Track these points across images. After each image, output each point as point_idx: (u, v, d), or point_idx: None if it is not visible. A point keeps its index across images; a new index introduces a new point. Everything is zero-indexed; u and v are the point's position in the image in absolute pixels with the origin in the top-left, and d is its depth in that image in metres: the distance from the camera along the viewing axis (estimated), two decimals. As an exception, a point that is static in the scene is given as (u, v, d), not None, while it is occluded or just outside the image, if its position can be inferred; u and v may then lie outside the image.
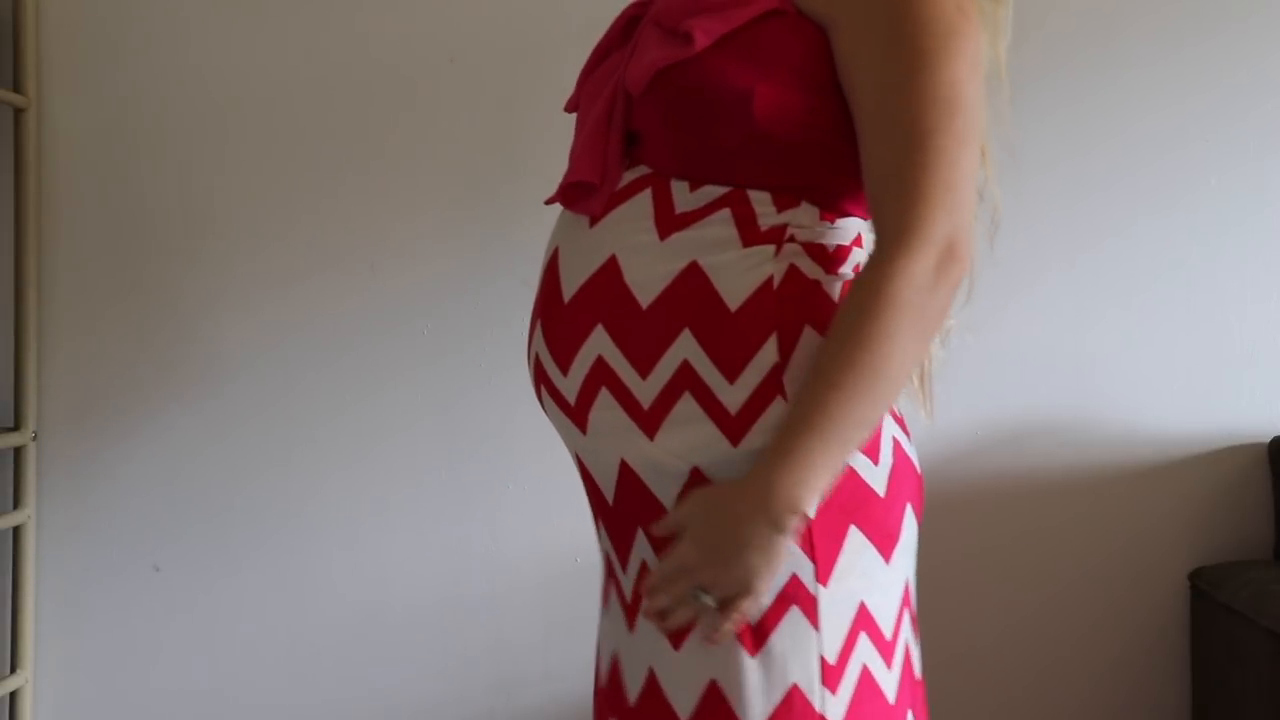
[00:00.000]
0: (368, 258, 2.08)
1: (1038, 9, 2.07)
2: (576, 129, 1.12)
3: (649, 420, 0.97)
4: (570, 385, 1.02)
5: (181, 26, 2.09)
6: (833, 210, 1.02)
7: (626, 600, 1.04)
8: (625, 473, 1.00)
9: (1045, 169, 2.08)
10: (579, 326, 1.00)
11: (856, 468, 0.98)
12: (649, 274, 0.97)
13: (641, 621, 1.02)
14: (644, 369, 0.97)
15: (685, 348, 0.96)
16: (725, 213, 0.98)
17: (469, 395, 2.09)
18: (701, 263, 0.97)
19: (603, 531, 1.08)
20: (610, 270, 0.99)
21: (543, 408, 1.10)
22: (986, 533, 2.05)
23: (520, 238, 2.05)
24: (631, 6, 1.11)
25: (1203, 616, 2.02)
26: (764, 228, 0.98)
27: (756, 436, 0.95)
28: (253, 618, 2.10)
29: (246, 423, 2.09)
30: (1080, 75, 2.08)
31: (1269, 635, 1.77)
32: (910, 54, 0.93)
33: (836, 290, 1.01)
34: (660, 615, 0.97)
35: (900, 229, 0.92)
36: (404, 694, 2.11)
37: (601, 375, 0.98)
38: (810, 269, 0.99)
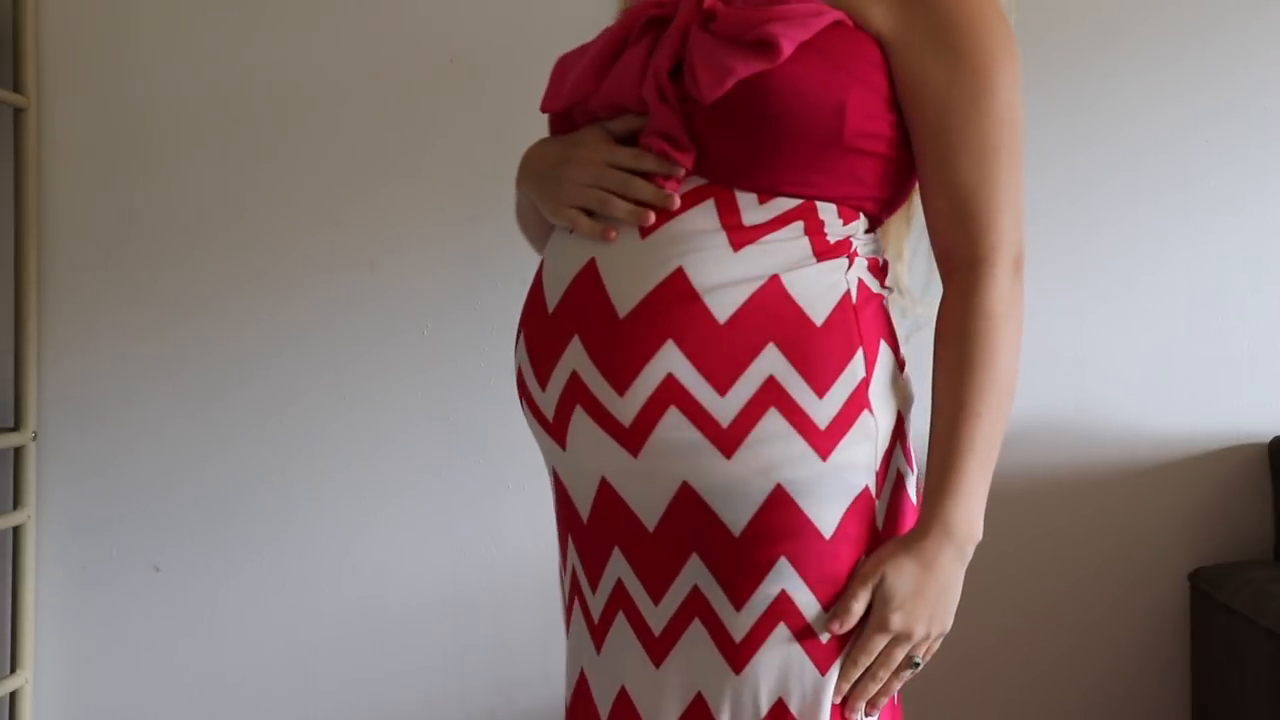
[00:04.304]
0: (367, 257, 2.08)
1: (1037, 9, 2.07)
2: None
3: (728, 439, 0.94)
4: (628, 405, 0.96)
5: (181, 27, 2.09)
6: (875, 223, 1.05)
7: (594, 621, 1.04)
8: (685, 496, 0.96)
9: (1044, 169, 2.07)
10: (642, 343, 0.95)
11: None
12: (725, 288, 0.95)
13: (611, 641, 1.02)
14: (723, 386, 0.94)
15: (771, 363, 0.95)
16: (798, 225, 0.98)
17: (469, 395, 2.09)
18: (783, 277, 0.96)
19: (573, 550, 1.06)
20: (677, 283, 0.95)
21: (557, 429, 1.02)
22: (986, 533, 2.04)
23: (520, 238, 2.05)
24: (647, 6, 1.04)
25: (1203, 616, 2.02)
26: (832, 241, 0.99)
27: (844, 450, 0.96)
28: (253, 618, 2.10)
29: (246, 422, 2.10)
30: (1079, 75, 2.08)
31: (1269, 635, 1.77)
32: (977, 74, 0.98)
33: (888, 304, 1.04)
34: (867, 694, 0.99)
35: (985, 249, 0.99)
36: (404, 695, 2.11)
37: (671, 394, 0.94)
38: (871, 283, 1.02)
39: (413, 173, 2.09)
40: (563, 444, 1.02)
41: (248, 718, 2.11)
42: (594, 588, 1.03)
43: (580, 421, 0.99)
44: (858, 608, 0.96)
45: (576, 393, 0.99)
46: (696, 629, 0.98)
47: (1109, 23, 2.09)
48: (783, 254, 0.97)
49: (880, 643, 0.97)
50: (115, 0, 2.09)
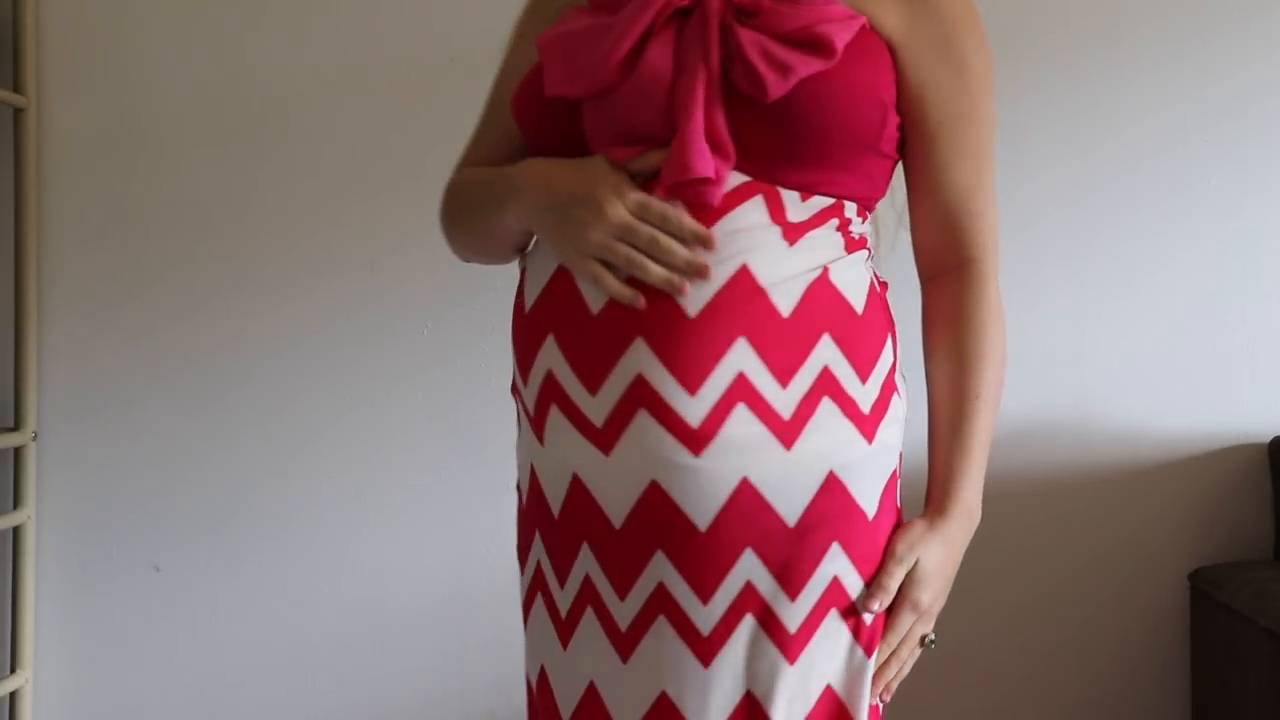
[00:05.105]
0: (368, 258, 2.08)
1: (1038, 10, 2.07)
2: (624, 118, 0.99)
3: (788, 429, 0.96)
4: (699, 405, 0.95)
5: (181, 26, 2.09)
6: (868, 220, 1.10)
7: (621, 630, 1.01)
8: (743, 493, 0.96)
9: (1045, 169, 2.08)
10: (714, 342, 0.95)
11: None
12: (786, 282, 0.97)
13: (645, 648, 0.99)
14: (785, 378, 0.96)
15: (825, 353, 0.97)
16: (834, 222, 1.01)
17: (469, 394, 2.09)
18: (829, 268, 0.99)
19: (591, 560, 1.02)
20: (743, 280, 0.95)
21: (605, 435, 0.98)
22: (985, 532, 2.03)
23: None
24: None
25: (1203, 616, 2.02)
26: (855, 236, 1.03)
27: (883, 432, 1.01)
28: (253, 618, 2.10)
29: (246, 422, 2.10)
30: (1080, 76, 2.08)
31: (1269, 635, 1.77)
32: (975, 81, 1.04)
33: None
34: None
35: (980, 248, 1.06)
36: (404, 694, 2.11)
37: (740, 391, 0.95)
38: (880, 274, 1.08)
39: (413, 173, 2.09)
40: (607, 450, 0.97)
41: (248, 717, 2.11)
42: (622, 596, 1.00)
43: (641, 425, 0.96)
44: (895, 586, 1.00)
45: (641, 396, 0.96)
46: (749, 625, 0.98)
47: (1109, 24, 2.08)
48: (825, 248, 1.00)
49: (909, 621, 1.02)
50: (115, 0, 2.09)
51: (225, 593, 2.10)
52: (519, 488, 1.11)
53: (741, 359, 0.95)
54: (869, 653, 1.00)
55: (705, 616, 0.98)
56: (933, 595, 1.03)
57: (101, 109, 2.09)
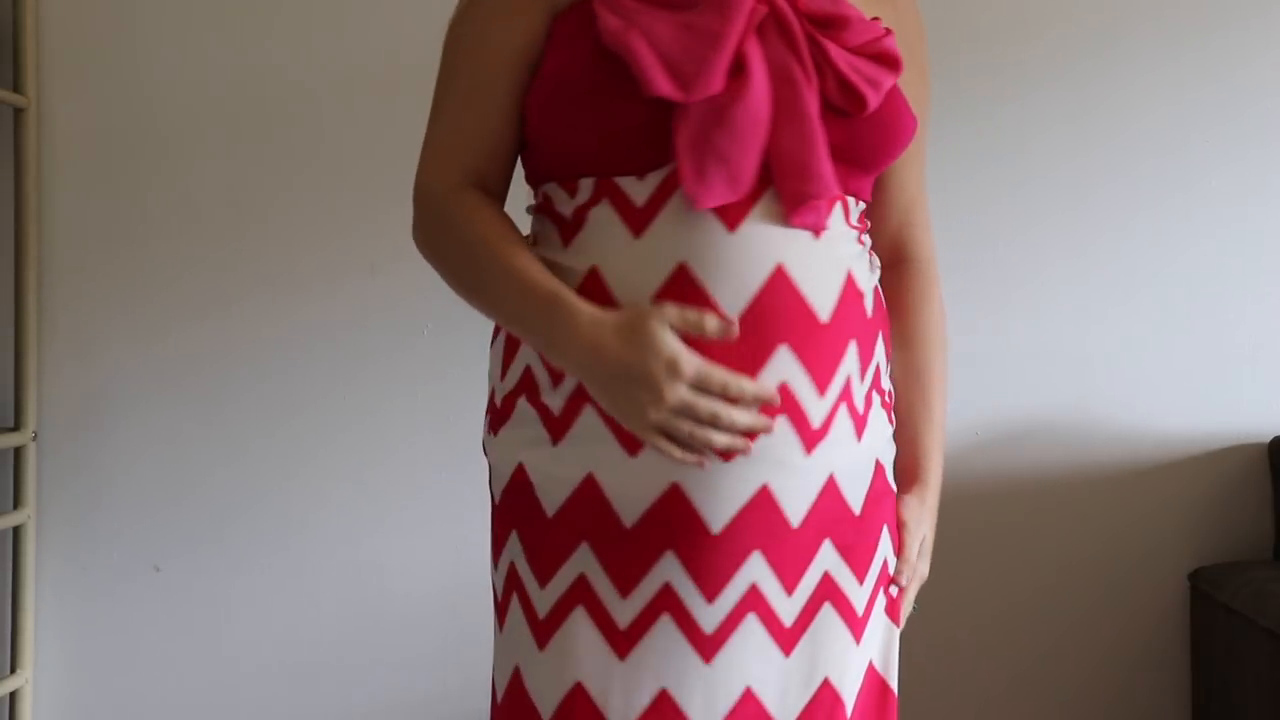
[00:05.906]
0: (368, 258, 2.08)
1: (1038, 10, 2.07)
2: (741, 126, 0.95)
3: (861, 422, 1.02)
4: (822, 407, 0.98)
5: (182, 27, 2.09)
6: None
7: (704, 633, 1.00)
8: (828, 487, 1.00)
9: (1046, 170, 2.08)
10: (838, 347, 0.99)
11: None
12: (868, 286, 1.05)
13: (733, 646, 0.99)
14: (863, 374, 1.03)
15: (880, 349, 1.06)
16: (867, 224, 1.09)
17: (470, 393, 2.09)
18: (879, 270, 1.09)
19: (675, 567, 0.99)
20: (850, 288, 1.01)
21: (721, 446, 0.95)
22: (985, 532, 2.05)
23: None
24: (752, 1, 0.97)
25: (1203, 616, 2.03)
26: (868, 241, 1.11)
27: (894, 417, 1.11)
28: (253, 617, 2.10)
29: (246, 423, 2.09)
30: (1080, 76, 2.08)
31: (1269, 635, 1.78)
32: (927, 87, 1.13)
33: None
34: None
35: (930, 247, 1.17)
36: (403, 694, 2.11)
37: (846, 392, 1.01)
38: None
39: (413, 172, 2.08)
40: (728, 455, 0.96)
41: (248, 716, 2.11)
42: (711, 599, 0.99)
43: (778, 431, 0.96)
44: (914, 559, 1.09)
45: (784, 402, 0.96)
46: (827, 613, 1.02)
47: (1109, 24, 2.09)
48: (869, 251, 1.08)
49: (915, 591, 1.11)
50: (115, 0, 2.09)
51: (225, 593, 2.10)
52: (536, 500, 1.11)
53: (849, 362, 1.01)
54: (899, 624, 1.08)
55: (789, 608, 1.01)
56: (929, 566, 1.12)
57: (102, 109, 2.09)
